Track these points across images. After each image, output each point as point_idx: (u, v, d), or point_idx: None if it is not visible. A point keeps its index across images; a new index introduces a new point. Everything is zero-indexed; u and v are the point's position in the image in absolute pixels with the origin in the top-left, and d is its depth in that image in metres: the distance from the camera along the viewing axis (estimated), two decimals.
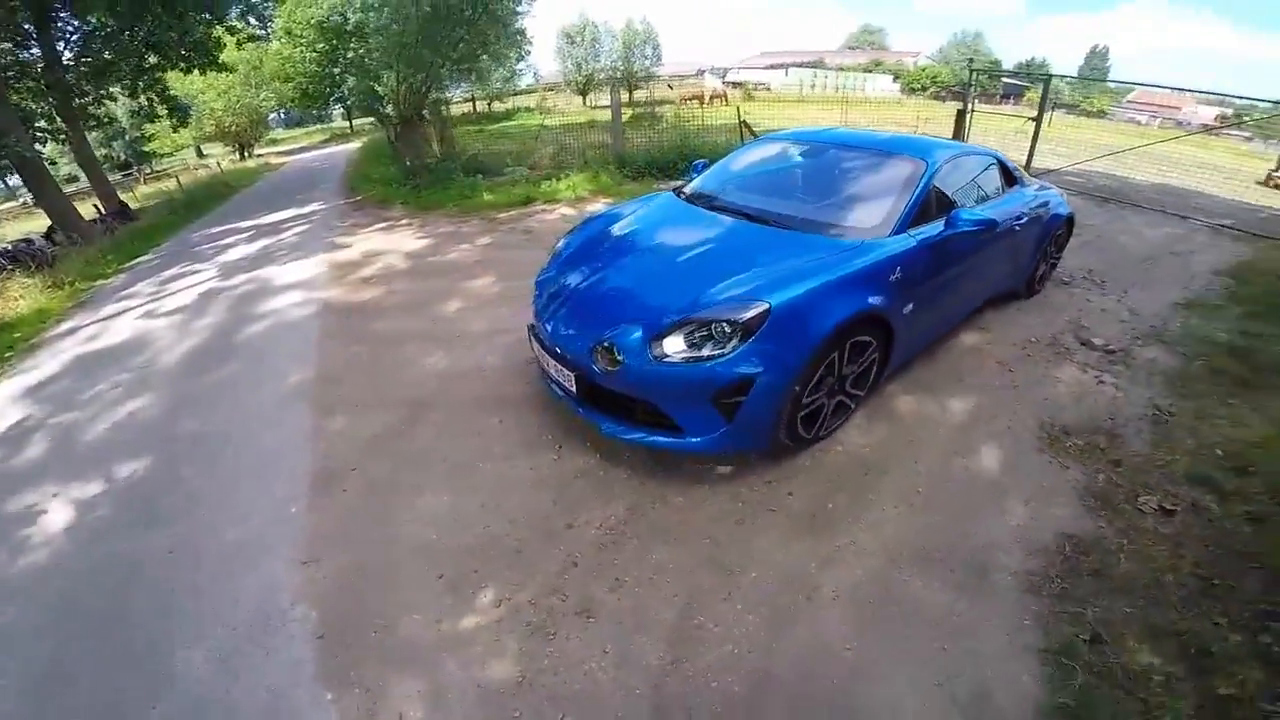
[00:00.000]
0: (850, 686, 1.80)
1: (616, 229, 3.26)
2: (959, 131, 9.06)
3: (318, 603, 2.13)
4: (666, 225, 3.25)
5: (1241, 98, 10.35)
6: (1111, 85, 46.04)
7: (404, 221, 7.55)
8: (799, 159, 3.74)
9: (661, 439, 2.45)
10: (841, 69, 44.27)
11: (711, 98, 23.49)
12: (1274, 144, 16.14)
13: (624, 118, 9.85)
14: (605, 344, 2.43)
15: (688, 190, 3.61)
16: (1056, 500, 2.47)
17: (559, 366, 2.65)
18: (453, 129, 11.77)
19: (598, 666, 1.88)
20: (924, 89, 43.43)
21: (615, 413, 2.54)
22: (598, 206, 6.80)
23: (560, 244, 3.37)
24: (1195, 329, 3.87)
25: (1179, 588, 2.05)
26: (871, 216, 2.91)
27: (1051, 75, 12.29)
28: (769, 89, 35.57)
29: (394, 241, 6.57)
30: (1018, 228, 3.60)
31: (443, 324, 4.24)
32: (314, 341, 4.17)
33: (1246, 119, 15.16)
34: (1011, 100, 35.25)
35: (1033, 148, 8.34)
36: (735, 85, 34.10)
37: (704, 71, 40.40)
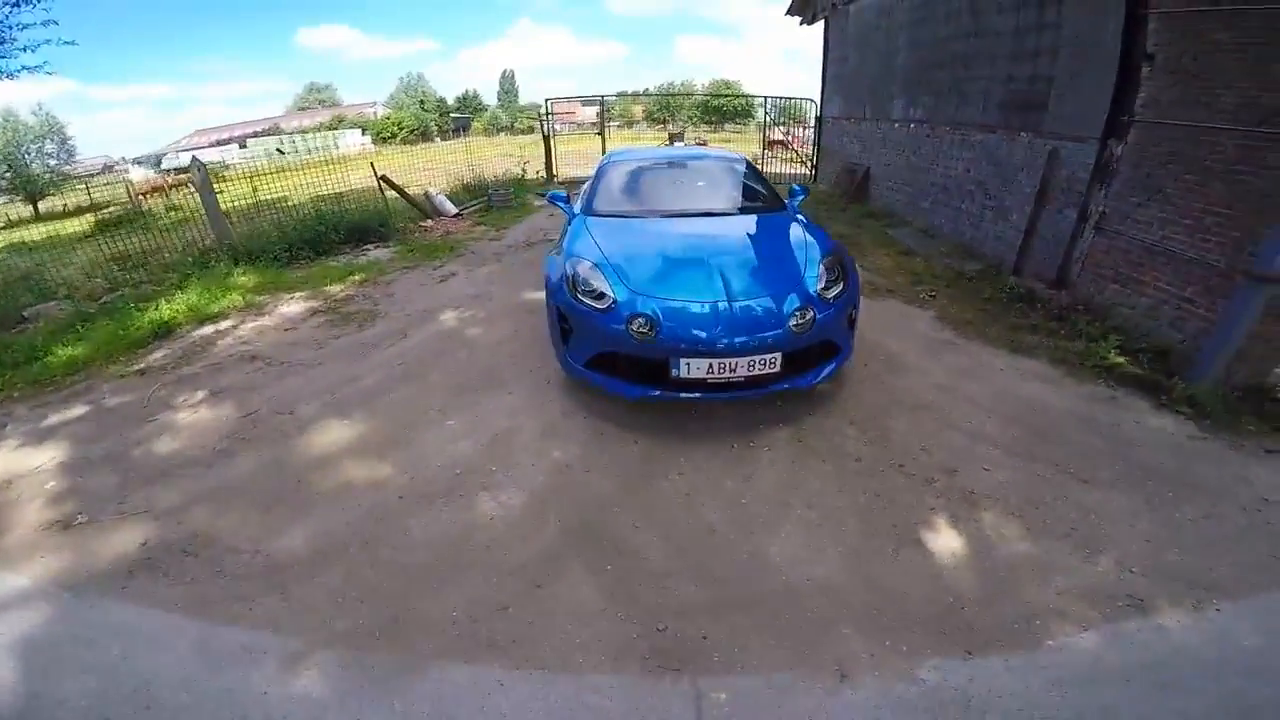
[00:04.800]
0: None
1: (627, 256, 3.31)
2: (550, 157, 10.81)
3: None
4: (650, 234, 3.66)
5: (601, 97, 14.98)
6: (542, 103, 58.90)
7: None
8: (664, 170, 4.34)
9: (833, 365, 3.14)
10: (305, 132, 41.44)
11: (152, 190, 18.66)
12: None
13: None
14: (791, 313, 2.89)
15: (599, 210, 4.01)
16: None
17: (734, 362, 2.81)
18: None
19: None
20: (394, 136, 45.53)
21: (801, 369, 3.00)
22: (296, 306, 5.25)
23: (609, 300, 3.07)
24: None
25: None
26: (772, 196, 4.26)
27: (606, 97, 15.18)
28: (226, 167, 30.30)
29: None
30: None
31: None
32: None
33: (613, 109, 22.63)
34: (463, 133, 41.02)
35: (548, 162, 10.98)
36: (175, 172, 27.54)
37: (114, 166, 31.45)
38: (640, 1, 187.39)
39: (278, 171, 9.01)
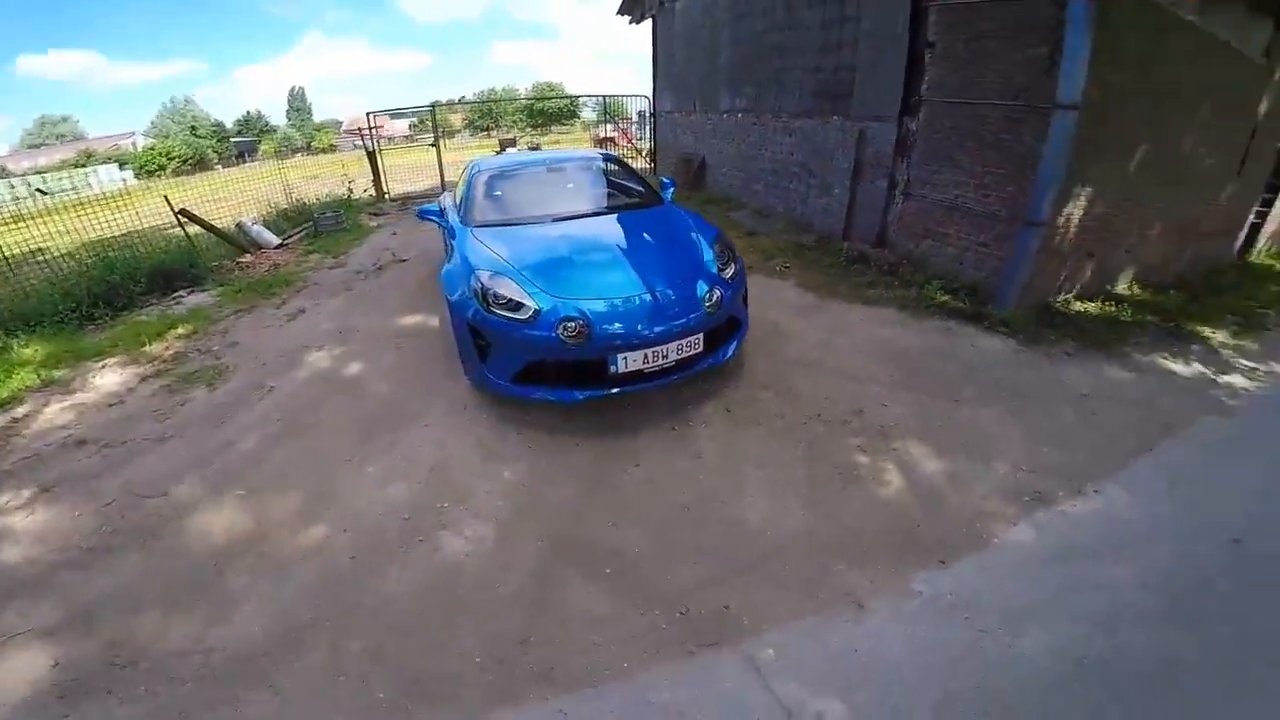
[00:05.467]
0: None
1: (534, 263, 3.23)
2: (377, 174, 10.03)
3: None
4: (549, 239, 3.59)
5: (416, 108, 14.82)
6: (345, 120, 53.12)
7: None
8: (540, 174, 4.30)
9: (738, 338, 3.39)
10: (43, 172, 32.18)
11: None
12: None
13: None
14: (703, 296, 3.06)
15: (484, 220, 3.84)
16: None
17: (659, 351, 2.89)
18: None
19: None
20: (162, 168, 38.31)
21: (716, 346, 3.20)
22: (114, 375, 4.23)
23: (530, 309, 2.94)
24: None
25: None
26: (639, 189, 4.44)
27: (434, 105, 14.11)
28: None
29: None
30: None
31: None
32: None
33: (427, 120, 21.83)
34: (248, 157, 36.11)
35: (376, 178, 10.43)
36: None
37: None
38: (444, 8, 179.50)
39: (15, 221, 7.11)
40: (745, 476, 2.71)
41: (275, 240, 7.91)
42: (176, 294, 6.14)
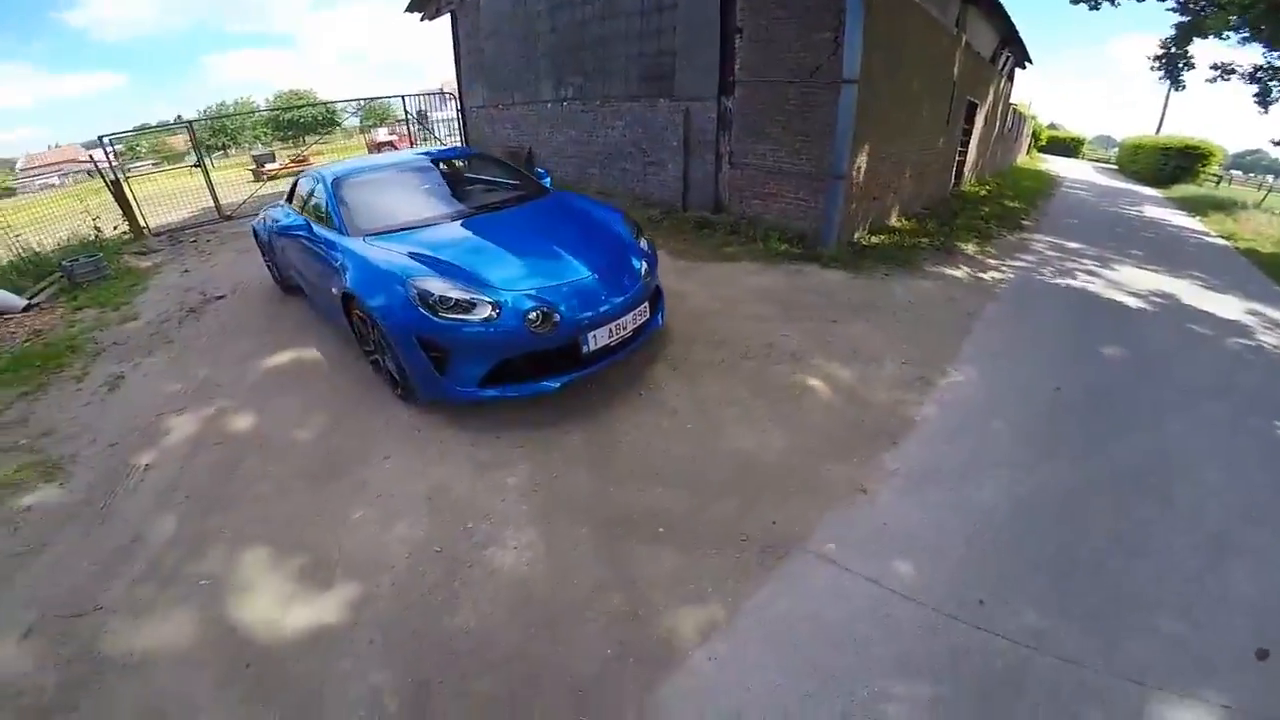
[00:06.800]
0: None
1: (467, 262, 3.15)
2: (127, 206, 8.28)
3: None
4: (467, 237, 3.54)
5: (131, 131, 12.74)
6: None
7: None
8: (413, 175, 4.24)
9: (662, 303, 3.77)
10: None
11: None
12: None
13: None
14: (639, 268, 3.33)
15: (373, 229, 3.57)
16: None
17: (620, 324, 3.11)
18: None
19: None
20: None
21: (654, 312, 3.50)
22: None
23: (487, 308, 2.86)
24: None
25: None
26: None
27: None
28: None
29: None
30: None
31: None
32: None
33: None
34: None
35: (128, 212, 8.60)
36: None
37: None
38: (128, 25, 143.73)
39: None
40: (720, 417, 3.11)
41: (21, 302, 6.09)
42: None
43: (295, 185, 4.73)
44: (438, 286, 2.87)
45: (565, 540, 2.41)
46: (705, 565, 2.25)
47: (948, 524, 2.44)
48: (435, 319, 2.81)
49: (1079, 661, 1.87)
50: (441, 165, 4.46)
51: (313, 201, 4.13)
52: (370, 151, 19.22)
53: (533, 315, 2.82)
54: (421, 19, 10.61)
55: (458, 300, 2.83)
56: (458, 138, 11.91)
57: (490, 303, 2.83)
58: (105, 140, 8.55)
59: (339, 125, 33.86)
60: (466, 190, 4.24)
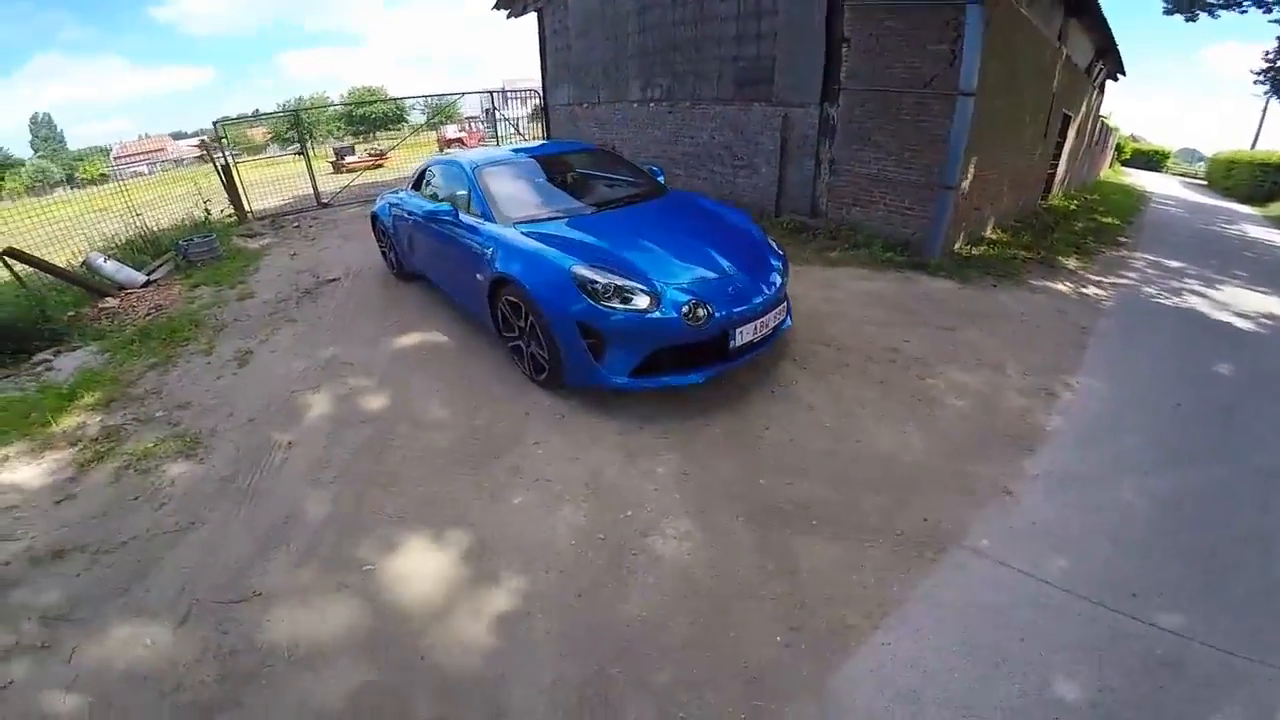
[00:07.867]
0: None
1: (619, 255, 3.27)
2: (234, 191, 8.81)
3: None
4: (613, 229, 3.64)
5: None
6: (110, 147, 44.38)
7: None
8: (549, 168, 4.43)
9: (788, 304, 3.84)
10: None
11: None
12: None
13: None
14: (777, 267, 3.47)
15: (518, 216, 3.73)
16: None
17: (763, 322, 3.19)
18: None
19: None
20: None
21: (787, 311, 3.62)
22: (27, 469, 3.25)
23: (647, 299, 2.98)
24: None
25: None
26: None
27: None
28: None
29: None
30: None
31: None
32: None
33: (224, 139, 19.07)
34: None
35: (235, 197, 9.25)
36: None
37: None
38: (218, 21, 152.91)
39: None
40: (858, 416, 3.18)
41: (141, 277, 6.57)
42: (38, 358, 4.89)
43: (423, 173, 4.94)
44: (599, 275, 2.99)
45: (721, 529, 2.46)
46: (866, 556, 2.32)
47: (1092, 523, 2.48)
48: (598, 306, 2.93)
49: (1231, 650, 1.93)
50: (569, 158, 4.60)
51: (450, 189, 4.31)
52: (441, 148, 19.81)
53: (687, 308, 2.91)
54: (508, 16, 10.94)
55: (619, 288, 2.95)
56: (524, 135, 12.25)
57: (648, 293, 2.95)
58: (216, 125, 9.10)
59: (406, 121, 35.03)
60: (596, 183, 4.40)
